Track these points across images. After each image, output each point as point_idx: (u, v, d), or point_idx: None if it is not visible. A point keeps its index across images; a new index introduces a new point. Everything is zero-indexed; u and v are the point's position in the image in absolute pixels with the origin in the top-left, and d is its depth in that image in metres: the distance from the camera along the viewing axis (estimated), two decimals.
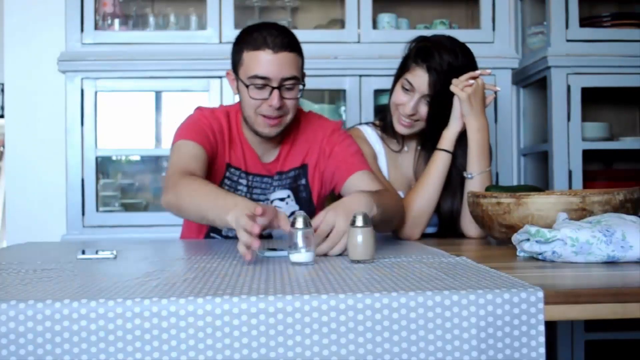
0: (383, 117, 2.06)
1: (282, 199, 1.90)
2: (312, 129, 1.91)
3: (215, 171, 1.85)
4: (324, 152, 1.89)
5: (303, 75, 1.82)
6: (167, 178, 1.69)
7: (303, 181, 1.92)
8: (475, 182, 1.87)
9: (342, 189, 1.85)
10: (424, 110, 1.91)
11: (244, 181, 1.89)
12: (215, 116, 1.86)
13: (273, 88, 1.72)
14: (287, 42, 1.73)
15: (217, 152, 1.83)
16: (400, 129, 1.95)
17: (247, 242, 1.29)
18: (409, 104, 1.90)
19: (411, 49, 1.95)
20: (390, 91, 1.99)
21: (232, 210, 1.39)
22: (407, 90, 1.91)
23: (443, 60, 1.87)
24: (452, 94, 1.87)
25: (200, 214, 1.53)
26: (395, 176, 2.02)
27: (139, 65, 2.50)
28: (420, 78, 1.89)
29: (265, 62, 1.71)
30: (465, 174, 1.90)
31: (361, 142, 1.97)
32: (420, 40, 1.95)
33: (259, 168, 1.89)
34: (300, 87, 1.78)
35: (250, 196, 1.87)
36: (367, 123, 2.11)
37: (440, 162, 1.89)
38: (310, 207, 1.92)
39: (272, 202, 1.90)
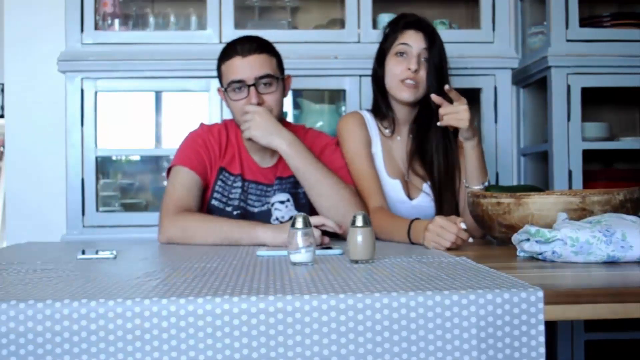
0: (374, 103, 2.12)
1: (282, 202, 1.97)
2: (309, 143, 1.99)
3: (211, 177, 1.97)
4: None
5: (283, 74, 1.97)
6: (164, 214, 1.86)
7: (303, 189, 1.95)
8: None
9: None
10: (423, 72, 1.98)
11: (238, 185, 1.97)
12: (211, 131, 2.02)
13: (249, 86, 1.89)
14: (256, 46, 1.91)
15: (213, 164, 1.96)
16: (404, 95, 2.00)
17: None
18: (410, 64, 1.97)
19: (393, 24, 2.05)
20: (374, 76, 2.10)
21: (261, 227, 1.72)
22: (402, 54, 2.00)
23: (428, 23, 2.03)
24: (444, 57, 2.00)
25: (221, 236, 1.75)
26: (390, 162, 2.07)
27: (139, 65, 2.50)
28: (413, 36, 1.99)
29: (236, 67, 1.89)
30: (465, 184, 1.94)
31: (360, 127, 2.07)
32: (399, 16, 2.07)
33: (257, 175, 1.99)
34: (279, 83, 1.92)
35: (244, 203, 1.96)
36: (367, 109, 2.16)
37: None
38: (309, 213, 1.93)
39: (272, 204, 1.97)
